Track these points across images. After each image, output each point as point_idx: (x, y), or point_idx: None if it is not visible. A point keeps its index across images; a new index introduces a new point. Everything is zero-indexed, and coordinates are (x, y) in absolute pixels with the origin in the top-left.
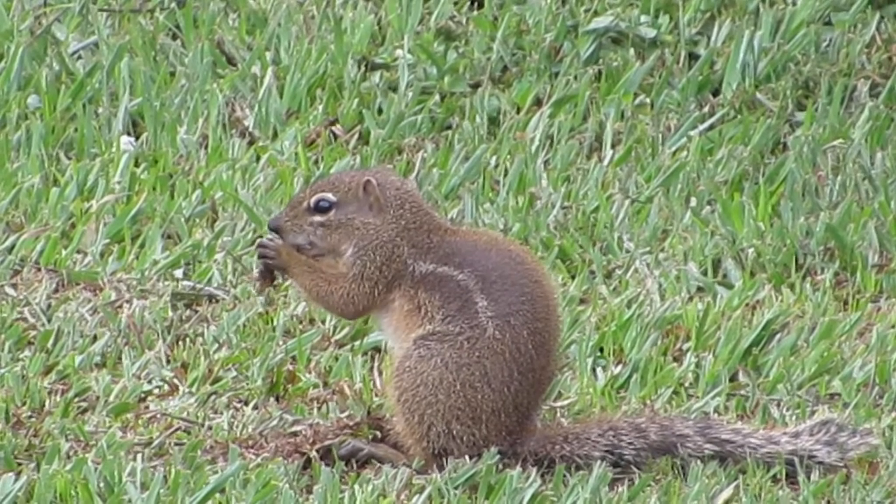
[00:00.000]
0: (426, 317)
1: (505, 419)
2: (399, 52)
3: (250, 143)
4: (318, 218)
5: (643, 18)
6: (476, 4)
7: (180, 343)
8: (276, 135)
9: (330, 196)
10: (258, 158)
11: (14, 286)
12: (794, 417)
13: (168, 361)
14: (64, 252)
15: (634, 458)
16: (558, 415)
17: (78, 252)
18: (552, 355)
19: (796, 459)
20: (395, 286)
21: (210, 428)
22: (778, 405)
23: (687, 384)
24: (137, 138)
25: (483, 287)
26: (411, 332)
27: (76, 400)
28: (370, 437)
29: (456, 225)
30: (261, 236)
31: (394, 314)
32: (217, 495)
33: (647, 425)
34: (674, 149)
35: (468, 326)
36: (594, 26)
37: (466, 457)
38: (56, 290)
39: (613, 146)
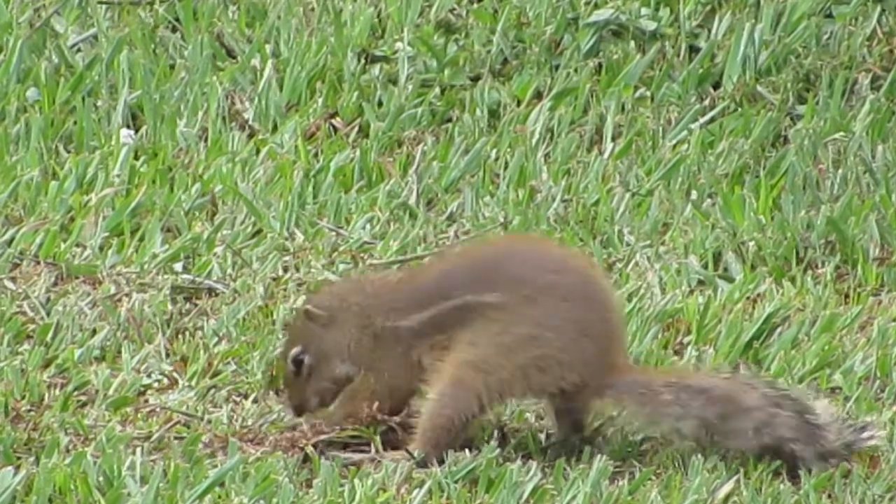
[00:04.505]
0: (450, 348)
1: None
2: (399, 44)
3: (250, 136)
4: (305, 372)
5: (644, 11)
6: None
7: (180, 337)
8: (275, 128)
9: (296, 350)
10: (258, 151)
11: (13, 279)
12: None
13: (167, 355)
14: (63, 245)
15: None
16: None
17: (77, 245)
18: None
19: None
20: (411, 351)
21: (209, 422)
22: None
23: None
24: (137, 131)
25: (475, 290)
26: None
27: (75, 394)
28: (375, 430)
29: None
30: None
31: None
32: (217, 489)
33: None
34: (674, 142)
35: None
36: (594, 19)
37: (466, 451)
38: (55, 284)
39: (614, 139)
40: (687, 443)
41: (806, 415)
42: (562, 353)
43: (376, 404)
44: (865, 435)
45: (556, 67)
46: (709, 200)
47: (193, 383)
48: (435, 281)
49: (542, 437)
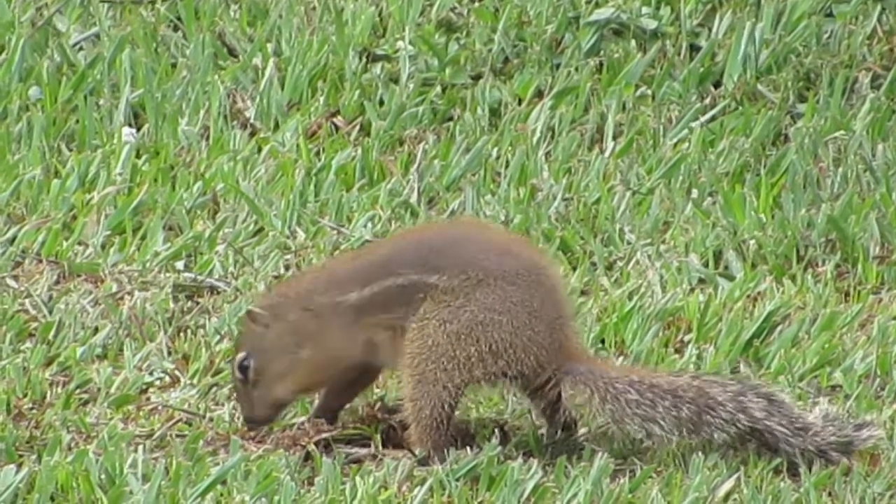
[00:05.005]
0: (399, 331)
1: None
2: (400, 43)
3: (251, 135)
4: (251, 376)
5: (644, 10)
6: None
7: (182, 335)
8: (277, 126)
9: (241, 356)
10: (259, 150)
11: (15, 278)
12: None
13: (169, 353)
14: (65, 244)
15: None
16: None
17: (79, 244)
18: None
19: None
20: (356, 325)
21: (211, 419)
22: None
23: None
24: (139, 130)
25: (420, 270)
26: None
27: (77, 392)
28: (376, 428)
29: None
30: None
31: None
32: (218, 487)
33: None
34: (675, 140)
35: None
36: (595, 18)
37: (467, 449)
38: (57, 282)
39: (615, 138)
40: (659, 440)
41: (771, 397)
42: (514, 337)
43: (321, 375)
44: (864, 434)
45: (557, 66)
46: (709, 199)
47: (195, 381)
48: (380, 259)
49: (543, 435)
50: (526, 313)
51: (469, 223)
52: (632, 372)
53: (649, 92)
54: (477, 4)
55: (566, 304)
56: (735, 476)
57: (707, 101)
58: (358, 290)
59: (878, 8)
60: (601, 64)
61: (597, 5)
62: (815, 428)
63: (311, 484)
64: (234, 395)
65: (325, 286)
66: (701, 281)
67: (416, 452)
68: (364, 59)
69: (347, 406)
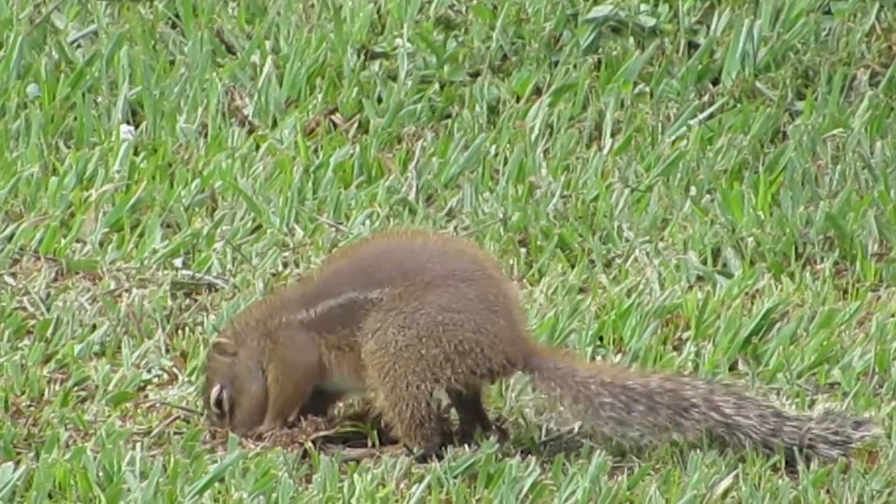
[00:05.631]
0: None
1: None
2: (398, 40)
3: (250, 132)
4: (228, 407)
5: (643, 7)
6: None
7: (180, 332)
8: (275, 123)
9: (216, 390)
10: (258, 147)
11: (13, 275)
12: (794, 406)
13: (167, 350)
14: (63, 241)
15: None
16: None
17: (77, 241)
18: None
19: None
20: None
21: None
22: (777, 394)
23: (686, 373)
24: (137, 127)
25: (360, 287)
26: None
27: (75, 389)
28: (373, 425)
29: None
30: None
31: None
32: (216, 484)
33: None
34: (673, 138)
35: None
36: (594, 15)
37: (465, 446)
38: (55, 279)
39: (613, 135)
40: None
41: (740, 391)
42: (478, 335)
43: (289, 387)
44: (860, 432)
45: (556, 63)
46: (708, 196)
47: (193, 379)
48: (321, 282)
49: (542, 432)
50: (485, 309)
51: (401, 233)
52: (601, 371)
53: (647, 89)
54: (475, 2)
55: (517, 297)
56: (733, 473)
57: (705, 98)
58: (304, 311)
59: (877, 5)
60: (599, 61)
61: (595, 3)
62: (792, 419)
63: (308, 481)
64: (215, 429)
65: (278, 310)
66: (699, 278)
67: (414, 450)
68: (362, 57)
69: (340, 403)
